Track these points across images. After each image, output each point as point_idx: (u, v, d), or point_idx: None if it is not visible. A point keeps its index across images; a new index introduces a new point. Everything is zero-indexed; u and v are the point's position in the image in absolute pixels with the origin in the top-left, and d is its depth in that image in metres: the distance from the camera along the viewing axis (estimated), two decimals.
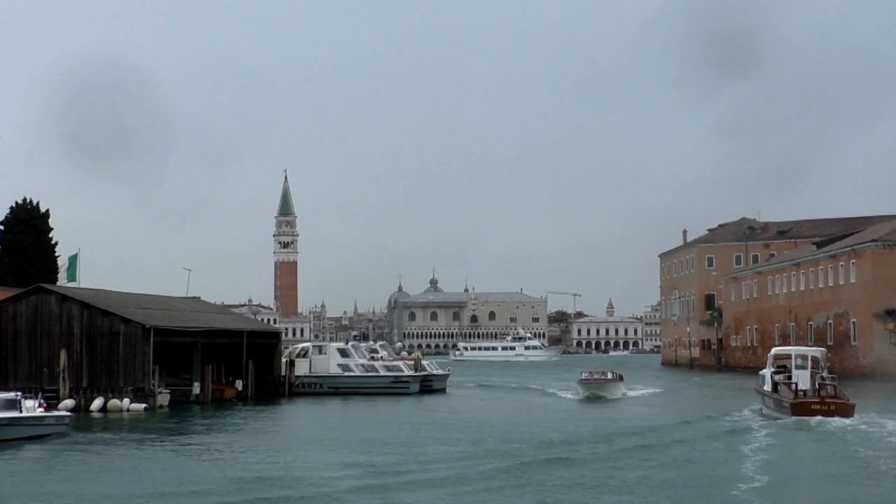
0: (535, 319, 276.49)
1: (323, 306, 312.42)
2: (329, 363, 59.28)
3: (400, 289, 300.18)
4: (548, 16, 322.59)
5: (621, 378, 56.53)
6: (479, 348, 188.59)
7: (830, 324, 78.95)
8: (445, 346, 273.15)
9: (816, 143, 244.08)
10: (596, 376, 55.37)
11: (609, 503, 21.38)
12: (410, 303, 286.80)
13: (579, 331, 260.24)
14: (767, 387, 41.09)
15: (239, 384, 52.94)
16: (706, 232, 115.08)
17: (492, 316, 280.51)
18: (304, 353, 59.98)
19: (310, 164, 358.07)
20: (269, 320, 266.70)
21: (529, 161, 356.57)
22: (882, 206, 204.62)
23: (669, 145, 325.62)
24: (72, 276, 64.28)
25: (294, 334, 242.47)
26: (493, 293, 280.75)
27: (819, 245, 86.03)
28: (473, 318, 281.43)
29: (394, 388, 58.60)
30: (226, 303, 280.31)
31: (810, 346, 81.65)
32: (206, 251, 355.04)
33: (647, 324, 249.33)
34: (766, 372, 42.11)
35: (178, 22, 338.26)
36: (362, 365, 59.75)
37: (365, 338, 76.80)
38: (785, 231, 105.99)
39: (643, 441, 31.79)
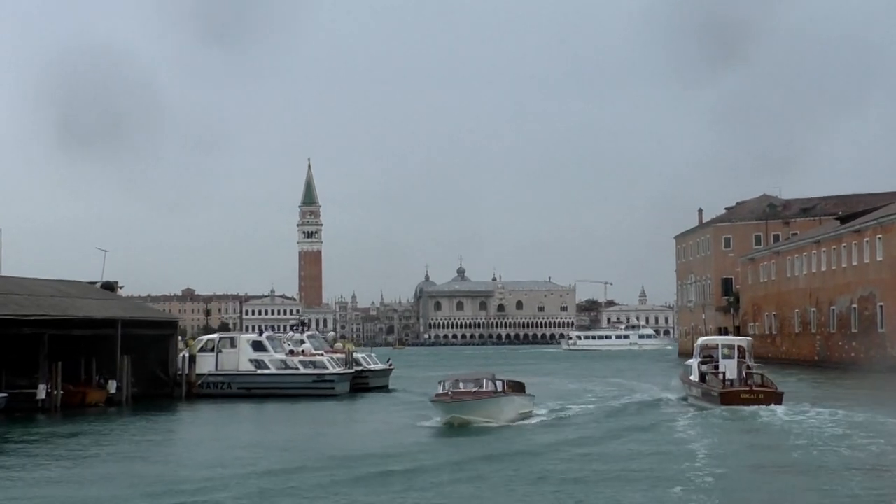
0: (564, 308, 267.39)
1: (353, 297, 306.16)
2: (239, 359, 49.72)
3: (427, 278, 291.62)
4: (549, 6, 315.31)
5: (520, 389, 36.52)
6: (593, 337, 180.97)
7: (855, 308, 68.42)
8: (472, 336, 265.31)
9: (812, 129, 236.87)
10: (462, 388, 33.41)
11: None
12: (436, 292, 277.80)
13: (609, 319, 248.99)
14: (694, 377, 40.51)
15: (112, 385, 43.73)
16: (724, 211, 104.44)
17: (519, 305, 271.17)
18: (210, 347, 50.42)
19: (334, 154, 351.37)
20: (291, 311, 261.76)
21: (548, 150, 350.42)
22: None
23: (671, 132, 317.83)
24: None
25: (318, 326, 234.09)
26: (521, 282, 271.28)
27: (842, 220, 75.34)
28: (500, 308, 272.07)
29: (316, 388, 49.03)
30: (248, 294, 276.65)
31: (832, 334, 73.23)
32: (226, 242, 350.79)
33: (677, 311, 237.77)
34: (693, 362, 41.58)
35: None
36: (280, 361, 50.26)
37: (302, 326, 67.20)
38: (808, 208, 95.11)
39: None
